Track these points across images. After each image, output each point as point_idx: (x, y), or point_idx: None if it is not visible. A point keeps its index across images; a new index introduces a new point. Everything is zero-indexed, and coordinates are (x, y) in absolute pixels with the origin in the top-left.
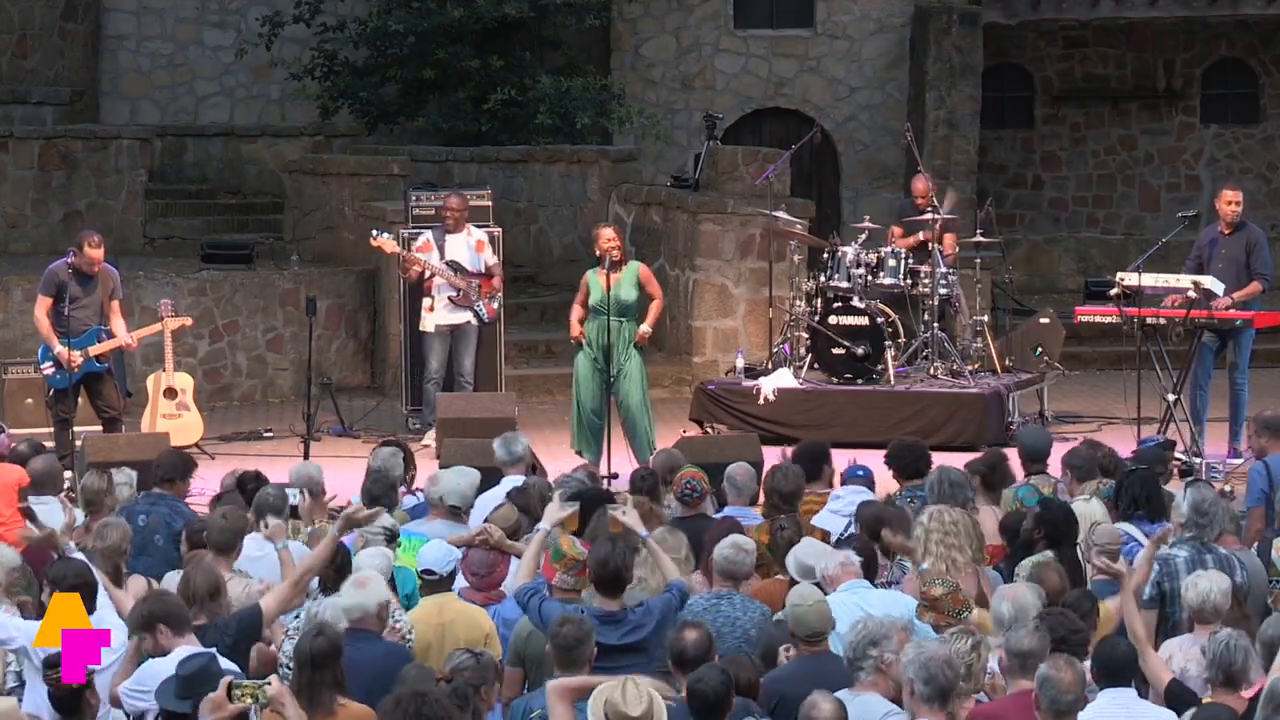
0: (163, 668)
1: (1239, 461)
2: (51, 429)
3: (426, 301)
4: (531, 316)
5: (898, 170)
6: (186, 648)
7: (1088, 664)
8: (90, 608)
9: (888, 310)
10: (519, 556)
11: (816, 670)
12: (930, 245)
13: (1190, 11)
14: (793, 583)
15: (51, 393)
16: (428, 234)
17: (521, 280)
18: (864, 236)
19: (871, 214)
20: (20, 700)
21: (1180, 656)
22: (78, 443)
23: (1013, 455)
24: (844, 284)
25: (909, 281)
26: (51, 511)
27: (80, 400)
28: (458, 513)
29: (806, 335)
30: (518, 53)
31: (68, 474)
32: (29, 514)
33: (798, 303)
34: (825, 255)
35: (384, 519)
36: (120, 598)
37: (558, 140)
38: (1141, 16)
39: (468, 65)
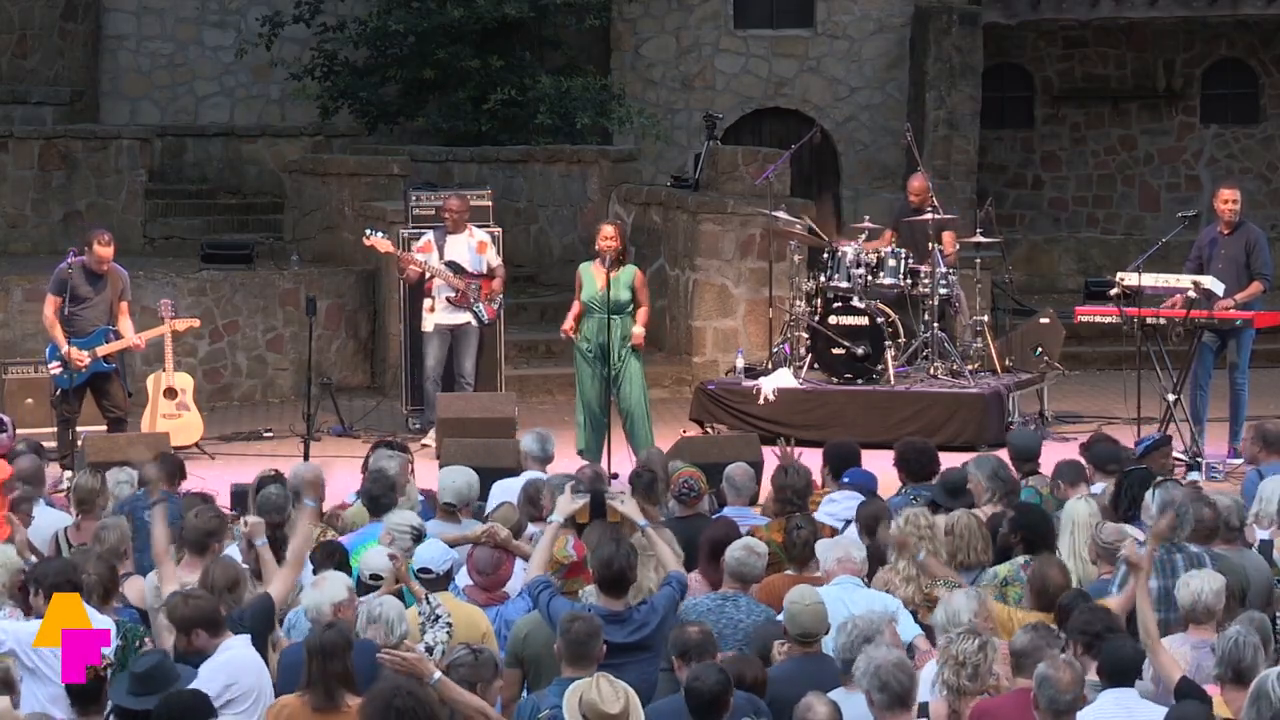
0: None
1: (1239, 461)
2: (51, 429)
3: (427, 302)
4: (531, 316)
5: (898, 170)
6: (228, 642)
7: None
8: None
9: (888, 310)
10: (523, 557)
11: (809, 671)
12: (930, 245)
13: (1190, 11)
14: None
15: (58, 392)
16: (429, 234)
17: (521, 280)
18: (864, 236)
19: (871, 214)
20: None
21: (1186, 657)
22: (79, 443)
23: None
24: (844, 284)
25: (909, 281)
26: (40, 513)
27: (84, 400)
28: (452, 510)
29: (806, 335)
30: (518, 53)
31: (68, 474)
32: (16, 504)
33: (798, 303)
34: (825, 255)
35: (411, 518)
36: (169, 573)
37: (558, 140)
38: (1141, 16)
39: (468, 65)
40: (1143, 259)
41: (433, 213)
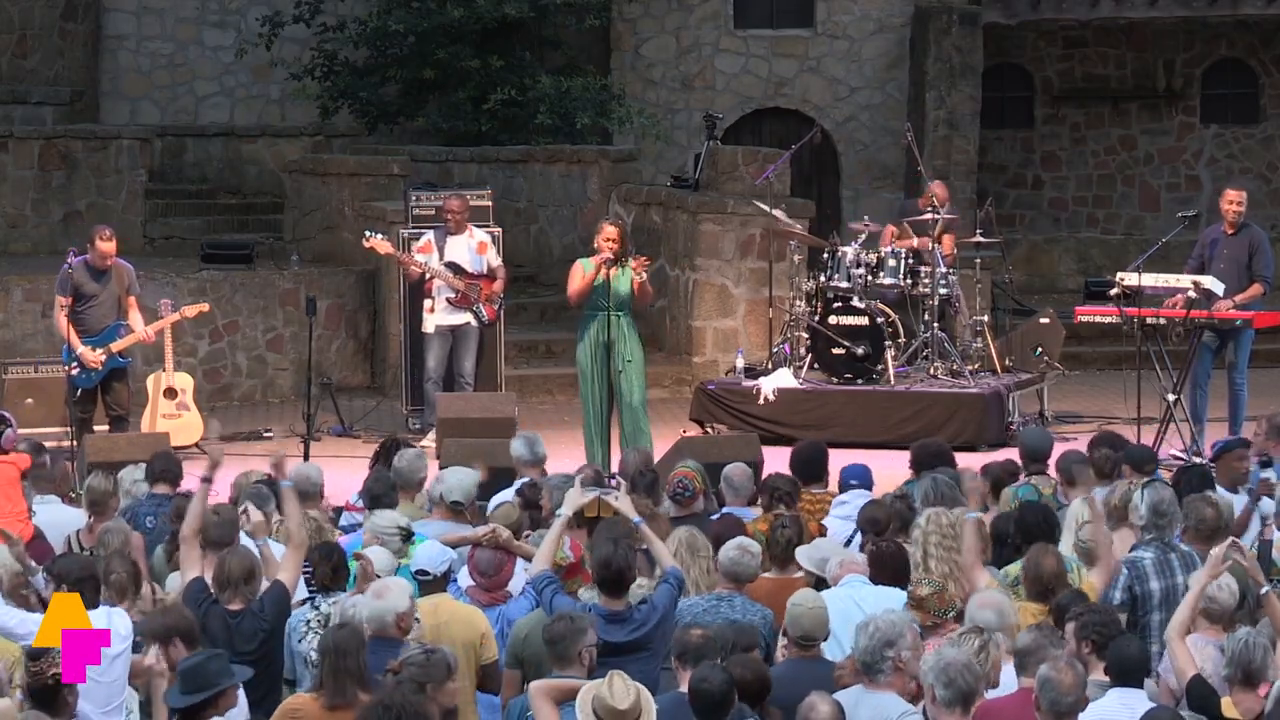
0: None
1: None
2: (49, 429)
3: (428, 303)
4: (531, 316)
5: (898, 170)
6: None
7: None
8: (92, 603)
9: (888, 310)
10: (525, 558)
11: (805, 674)
12: (930, 245)
13: (1190, 11)
14: (818, 581)
15: (78, 393)
16: (429, 234)
17: (521, 280)
18: (864, 236)
19: (871, 214)
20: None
21: (1197, 655)
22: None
23: (1013, 454)
24: (844, 284)
25: (909, 281)
26: (53, 510)
27: (97, 400)
28: (460, 510)
29: (806, 335)
30: (518, 53)
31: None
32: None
33: (798, 303)
34: (825, 255)
35: (398, 518)
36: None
37: (558, 140)
38: (1141, 16)
39: (468, 65)
40: (1143, 259)
41: (433, 213)
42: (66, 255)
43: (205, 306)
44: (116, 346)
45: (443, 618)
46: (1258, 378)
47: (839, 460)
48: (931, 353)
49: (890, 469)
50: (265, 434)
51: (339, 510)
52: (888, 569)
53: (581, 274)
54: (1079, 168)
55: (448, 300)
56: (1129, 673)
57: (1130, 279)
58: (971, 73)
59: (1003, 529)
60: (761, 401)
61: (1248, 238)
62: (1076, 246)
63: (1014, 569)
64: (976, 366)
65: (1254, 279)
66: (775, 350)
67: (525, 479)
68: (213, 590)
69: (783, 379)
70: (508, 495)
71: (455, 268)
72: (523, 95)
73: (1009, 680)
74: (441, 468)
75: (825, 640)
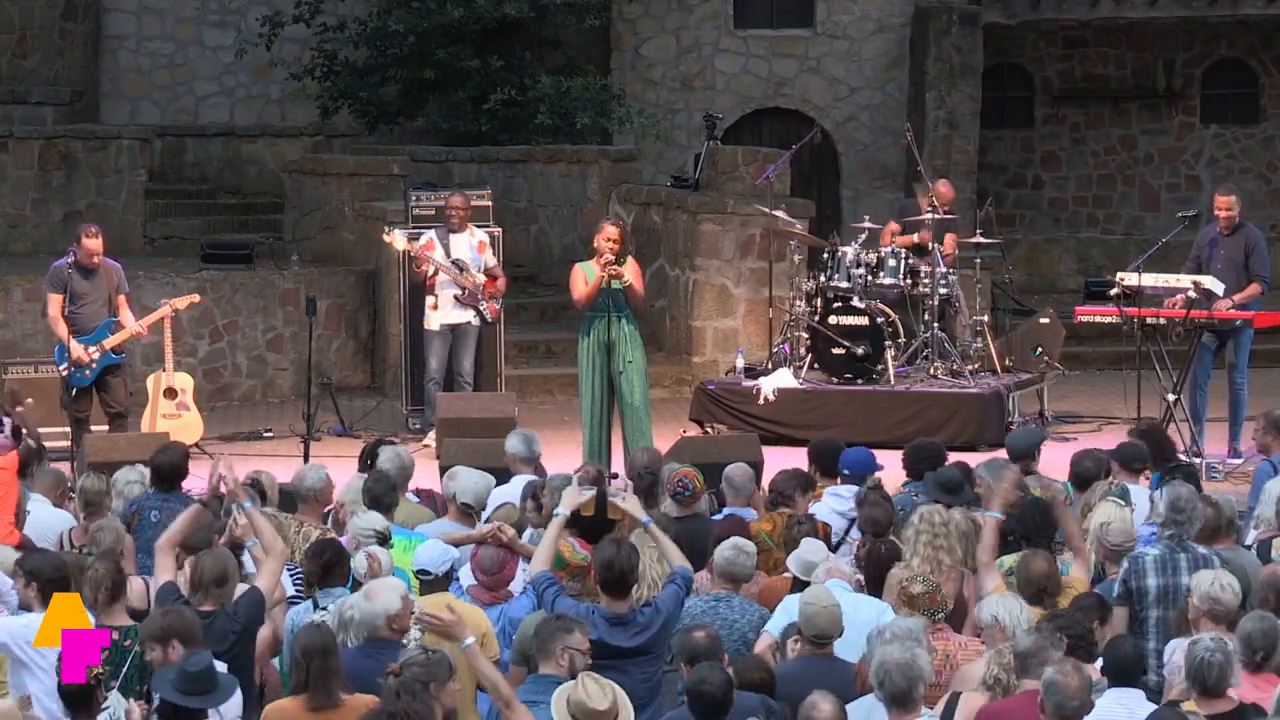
0: None
1: (1239, 461)
2: (49, 429)
3: (430, 300)
4: (531, 316)
5: (898, 170)
6: None
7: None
8: None
9: (888, 310)
10: (527, 557)
11: (820, 672)
12: (930, 245)
13: (1190, 11)
14: (795, 581)
15: (73, 392)
16: (430, 233)
17: (521, 280)
18: (864, 236)
19: (871, 214)
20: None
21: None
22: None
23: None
24: (844, 284)
25: (909, 281)
26: (40, 511)
27: (93, 400)
28: (469, 511)
29: (806, 335)
30: (518, 53)
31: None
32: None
33: (798, 303)
34: (825, 255)
35: (375, 520)
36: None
37: (558, 140)
38: (1141, 16)
39: (468, 65)
40: (1143, 259)
41: (433, 213)
42: (67, 255)
43: (196, 297)
44: (109, 343)
45: None
46: (1258, 378)
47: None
48: (931, 353)
49: (890, 469)
50: (265, 434)
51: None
52: (880, 571)
53: (584, 278)
54: (1079, 168)
55: (454, 297)
56: (1125, 672)
57: (1130, 279)
58: (971, 73)
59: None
60: (761, 401)
61: (1244, 237)
62: (1076, 246)
63: (1009, 559)
64: (976, 366)
65: (1251, 279)
66: (775, 350)
67: (527, 479)
68: (185, 592)
69: (783, 379)
70: (505, 491)
71: (461, 265)
72: (523, 95)
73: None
74: (442, 468)
75: (840, 635)
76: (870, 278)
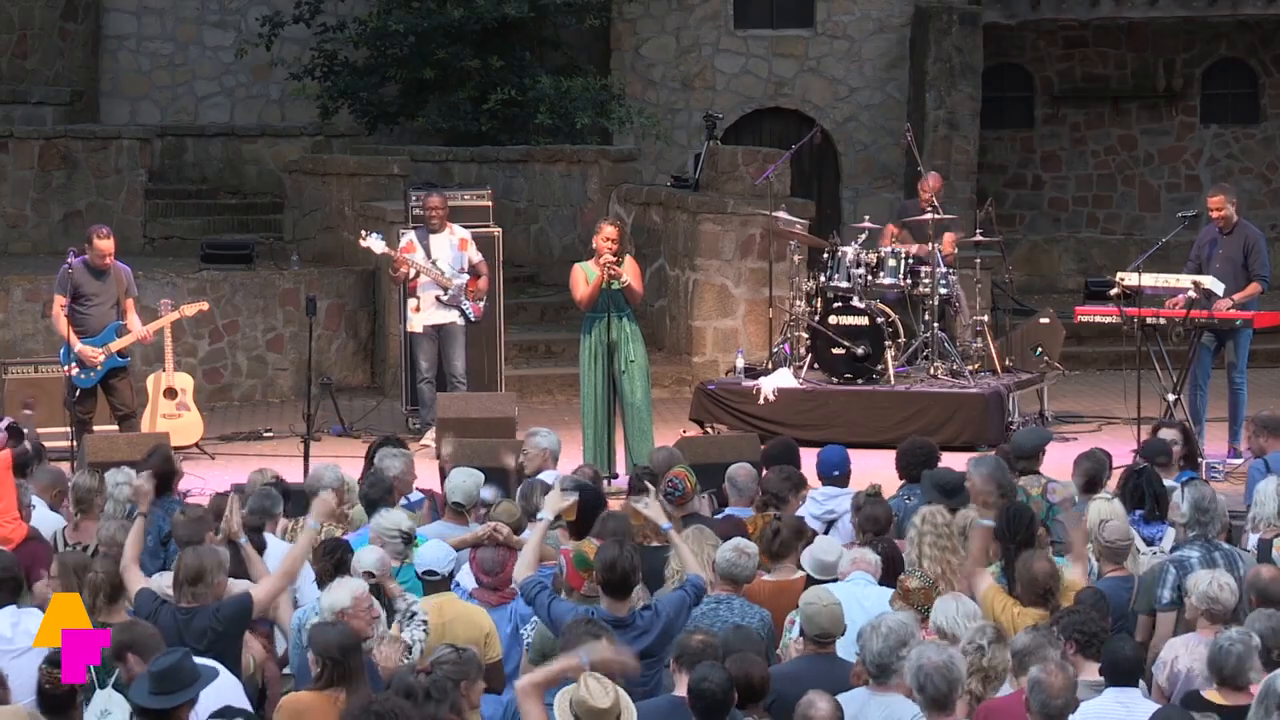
0: None
1: (1239, 461)
2: (49, 429)
3: (412, 302)
4: (531, 316)
5: (898, 170)
6: None
7: None
8: (8, 603)
9: (888, 310)
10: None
11: (822, 671)
12: (930, 246)
13: (1190, 11)
14: (809, 580)
15: (78, 393)
16: (410, 235)
17: (521, 280)
18: (864, 236)
19: (871, 214)
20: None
21: (1186, 656)
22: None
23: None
24: (844, 284)
25: (909, 281)
26: (38, 515)
27: (97, 401)
28: (461, 510)
29: (806, 335)
30: (518, 53)
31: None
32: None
33: (798, 303)
34: (825, 255)
35: (400, 519)
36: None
37: (558, 140)
38: (1141, 16)
39: (468, 65)
40: (1143, 259)
41: None
42: (66, 255)
43: (205, 305)
44: (115, 346)
45: (448, 617)
46: (1258, 378)
47: (858, 461)
48: (931, 353)
49: (890, 469)
50: (265, 434)
51: None
52: (884, 570)
53: (584, 279)
54: (1079, 168)
55: (436, 298)
56: (1125, 672)
57: (1130, 279)
58: (971, 73)
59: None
60: (761, 401)
61: (1242, 237)
62: (1076, 246)
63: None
64: (976, 366)
65: (1251, 278)
66: (775, 350)
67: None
68: (170, 590)
69: (783, 379)
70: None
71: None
72: (523, 95)
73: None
74: (442, 467)
75: (842, 634)
76: (870, 278)
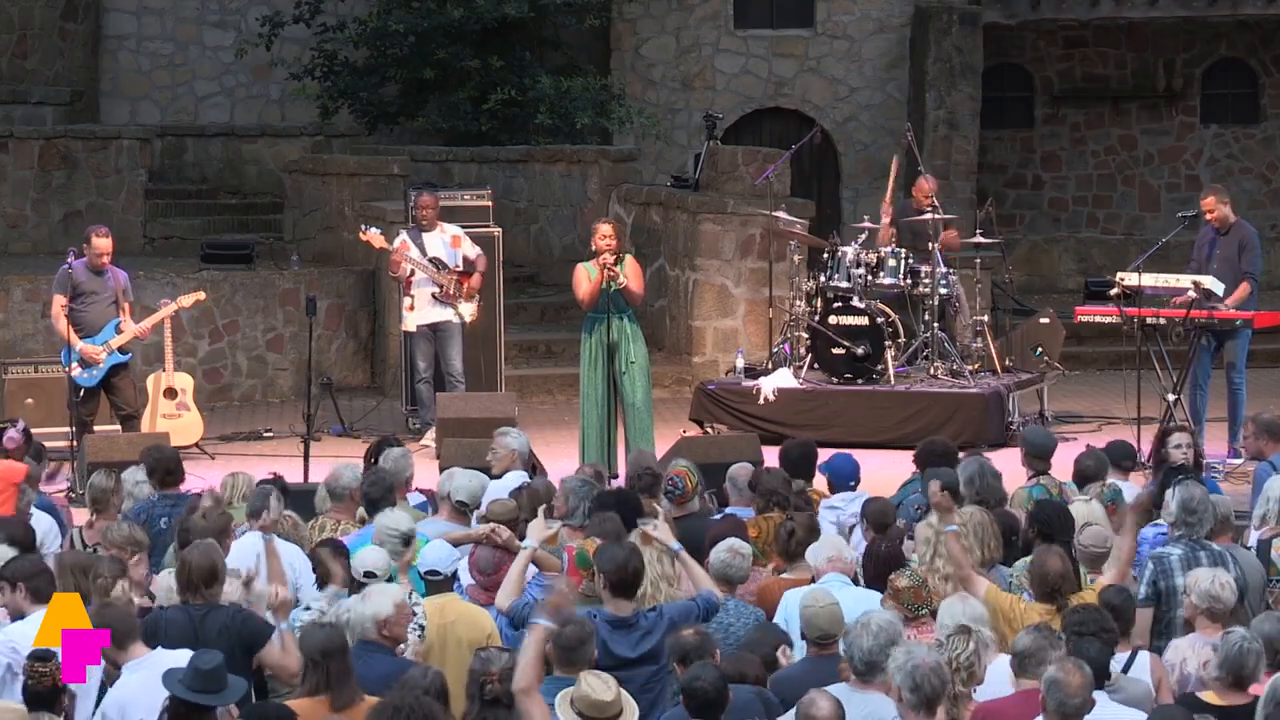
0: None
1: (1239, 461)
2: (49, 429)
3: (406, 301)
4: (531, 316)
5: None
6: (135, 661)
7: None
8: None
9: (888, 310)
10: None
11: (825, 672)
12: (930, 246)
13: (1190, 11)
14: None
15: (81, 394)
16: (403, 234)
17: (521, 280)
18: (864, 236)
19: (871, 214)
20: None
21: (1194, 658)
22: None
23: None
24: (844, 284)
25: (909, 281)
26: (39, 520)
27: (99, 402)
28: (464, 509)
29: (806, 335)
30: (518, 53)
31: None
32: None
33: (798, 303)
34: (825, 255)
35: (401, 520)
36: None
37: (558, 140)
38: (1141, 16)
39: (468, 65)
40: (1143, 259)
41: None
42: (66, 255)
43: (201, 295)
44: (116, 342)
45: (450, 618)
46: (1257, 378)
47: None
48: (931, 353)
49: (890, 469)
50: (265, 434)
51: None
52: (881, 570)
53: (586, 278)
54: (1079, 168)
55: (432, 296)
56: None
57: (1130, 279)
58: (971, 73)
59: (1012, 528)
60: (761, 401)
61: (1238, 236)
62: (1076, 246)
63: (1018, 568)
64: (976, 366)
65: (1241, 277)
66: (775, 350)
67: (519, 476)
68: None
69: (783, 379)
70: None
71: (438, 264)
72: (523, 95)
73: (996, 678)
74: (442, 468)
75: (843, 634)
76: (870, 278)
